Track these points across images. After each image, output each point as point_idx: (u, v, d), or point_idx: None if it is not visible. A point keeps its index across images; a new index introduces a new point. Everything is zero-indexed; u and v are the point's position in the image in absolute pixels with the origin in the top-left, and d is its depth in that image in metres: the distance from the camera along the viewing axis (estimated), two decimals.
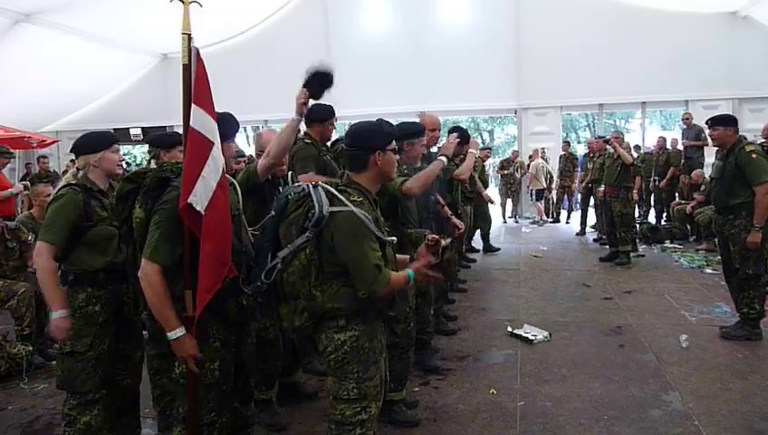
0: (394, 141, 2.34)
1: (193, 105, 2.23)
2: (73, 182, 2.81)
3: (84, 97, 13.58)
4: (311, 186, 2.19)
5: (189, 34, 2.29)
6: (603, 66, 11.29)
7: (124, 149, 15.56)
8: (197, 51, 2.28)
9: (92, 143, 2.85)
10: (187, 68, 2.27)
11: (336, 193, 2.17)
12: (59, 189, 2.82)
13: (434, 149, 4.31)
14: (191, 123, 2.22)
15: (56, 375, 2.79)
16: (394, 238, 2.33)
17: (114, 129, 14.35)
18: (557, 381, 3.81)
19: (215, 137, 2.27)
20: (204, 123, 2.25)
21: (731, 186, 4.42)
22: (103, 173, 2.85)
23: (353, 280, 2.14)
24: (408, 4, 12.54)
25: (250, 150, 10.78)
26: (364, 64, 11.96)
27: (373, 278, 2.11)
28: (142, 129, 14.00)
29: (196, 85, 2.26)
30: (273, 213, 2.29)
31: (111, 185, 2.87)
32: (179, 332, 2.22)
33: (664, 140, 10.69)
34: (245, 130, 18.92)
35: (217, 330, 2.32)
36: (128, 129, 14.12)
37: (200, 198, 2.19)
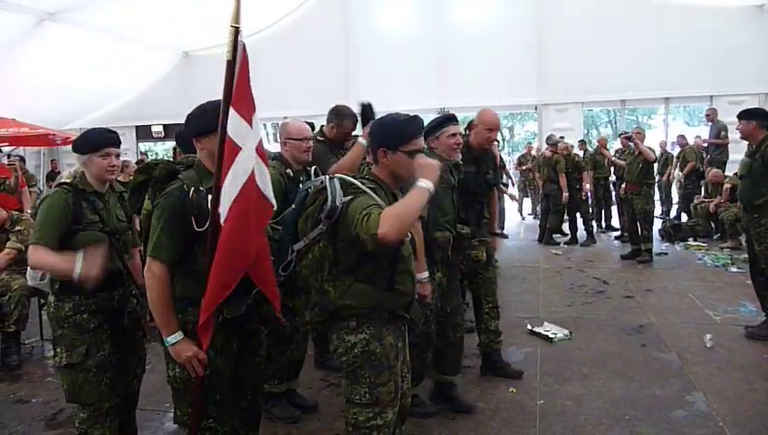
0: (415, 143, 2.16)
1: (230, 108, 2.04)
2: (67, 181, 2.67)
3: (107, 94, 13.75)
4: (327, 178, 2.13)
5: (238, 27, 2.05)
6: (625, 61, 11.13)
7: (145, 145, 15.70)
8: (244, 45, 2.07)
9: (83, 143, 2.68)
10: (230, 65, 2.06)
11: (353, 181, 2.10)
12: (53, 188, 2.73)
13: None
14: (228, 129, 2.05)
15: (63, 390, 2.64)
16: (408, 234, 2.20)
17: (136, 126, 14.59)
18: (577, 379, 3.77)
19: (245, 142, 2.08)
20: (236, 127, 2.06)
21: (757, 183, 4.33)
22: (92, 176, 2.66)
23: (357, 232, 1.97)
24: (428, 4, 12.49)
25: (269, 147, 10.88)
26: (383, 61, 11.96)
27: (364, 226, 1.91)
28: (164, 126, 14.16)
29: (237, 86, 2.06)
30: (293, 206, 2.24)
31: (113, 187, 2.77)
32: (177, 336, 2.12)
33: (685, 138, 10.65)
34: (265, 127, 19.00)
35: (212, 337, 2.19)
36: (149, 126, 14.30)
37: (223, 209, 2.05)
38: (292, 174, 3.15)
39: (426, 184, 1.98)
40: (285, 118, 13.06)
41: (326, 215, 2.05)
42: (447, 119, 3.34)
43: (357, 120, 3.79)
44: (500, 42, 11.95)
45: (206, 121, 2.19)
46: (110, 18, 10.78)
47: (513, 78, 12.05)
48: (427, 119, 2.19)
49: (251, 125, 2.09)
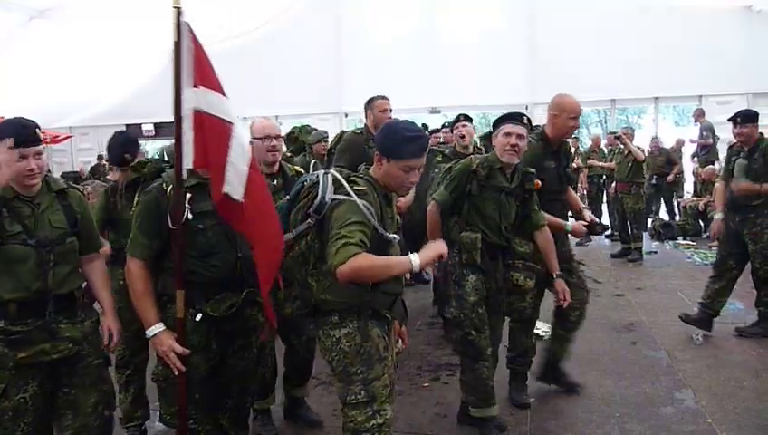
0: (410, 162, 2.07)
1: (201, 87, 2.08)
2: None
3: (97, 93, 13.66)
4: (322, 173, 2.12)
5: (179, 8, 2.10)
6: (615, 61, 11.17)
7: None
8: (189, 25, 2.09)
9: None
10: (177, 46, 2.09)
11: (343, 181, 2.07)
12: None
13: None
14: (196, 106, 2.07)
15: None
16: (396, 236, 2.13)
17: (127, 124, 14.48)
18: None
19: (231, 116, 2.12)
20: (215, 104, 2.08)
21: (754, 183, 4.37)
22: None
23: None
24: (421, 4, 12.48)
25: None
26: (375, 61, 11.93)
27: (335, 250, 1.89)
28: (154, 124, 14.08)
29: (196, 65, 2.09)
30: (287, 198, 2.24)
31: (49, 185, 2.27)
32: (157, 328, 2.20)
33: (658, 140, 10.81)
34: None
35: (188, 335, 2.24)
36: (140, 125, 14.21)
37: (235, 185, 2.08)
38: None
39: (414, 259, 1.98)
40: (276, 117, 13.07)
41: (314, 209, 2.06)
42: (506, 117, 3.05)
43: (381, 98, 4.03)
44: (491, 41, 11.97)
45: None
46: (100, 16, 10.71)
47: (504, 77, 12.06)
48: (417, 118, 2.16)
49: (226, 96, 2.12)
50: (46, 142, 11.05)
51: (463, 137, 4.71)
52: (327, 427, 3.22)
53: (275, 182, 2.98)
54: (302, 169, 3.23)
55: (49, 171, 2.43)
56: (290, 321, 3.02)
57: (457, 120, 4.91)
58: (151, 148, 15.14)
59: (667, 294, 5.79)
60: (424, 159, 2.13)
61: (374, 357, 2.10)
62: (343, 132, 4.53)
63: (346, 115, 12.05)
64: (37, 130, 2.16)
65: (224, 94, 2.12)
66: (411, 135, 2.07)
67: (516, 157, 2.97)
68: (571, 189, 3.71)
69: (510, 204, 3.05)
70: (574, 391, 3.57)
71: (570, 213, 3.65)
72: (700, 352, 4.17)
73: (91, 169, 11.53)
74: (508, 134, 2.94)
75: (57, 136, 11.52)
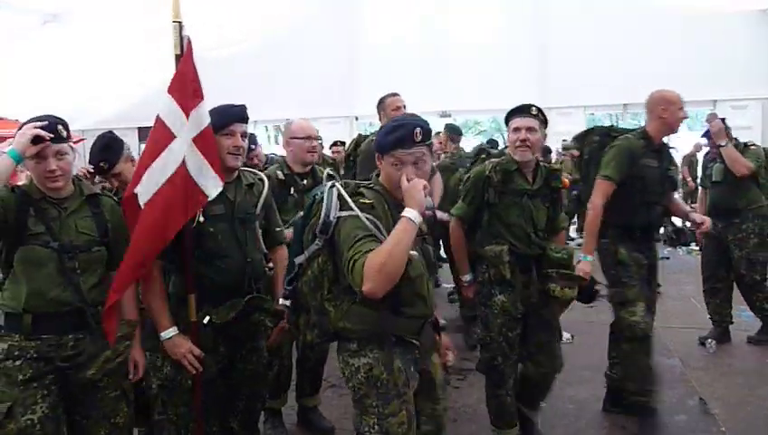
0: (394, 154, 1.91)
1: (166, 94, 2.15)
2: (22, 183, 2.19)
3: (108, 96, 13.77)
4: (327, 187, 1.97)
5: (180, 22, 2.17)
6: (628, 65, 11.08)
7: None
8: (189, 40, 2.18)
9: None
10: (179, 59, 2.19)
11: (346, 197, 1.91)
12: None
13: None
14: (158, 111, 2.15)
15: None
16: (413, 253, 1.86)
17: (139, 127, 14.60)
18: (580, 383, 3.76)
19: (179, 130, 2.13)
20: (171, 114, 2.14)
21: (736, 188, 4.30)
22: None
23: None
24: (430, 5, 12.49)
25: (275, 149, 10.89)
26: (384, 63, 11.94)
27: (352, 277, 1.78)
28: None
29: (176, 74, 2.17)
30: (301, 214, 2.13)
31: (80, 189, 2.15)
32: (171, 332, 2.18)
33: None
34: (267, 130, 19.03)
35: (198, 338, 2.23)
36: (150, 128, 14.28)
37: (145, 190, 2.11)
38: (282, 176, 3.03)
39: (409, 214, 1.78)
40: (288, 120, 13.13)
41: (320, 230, 1.91)
42: (514, 110, 2.80)
43: (392, 95, 3.98)
44: (501, 44, 11.94)
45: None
46: (111, 20, 10.83)
47: (515, 81, 12.03)
48: (428, 121, 2.05)
49: (187, 116, 2.15)
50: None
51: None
52: (338, 430, 3.22)
53: (305, 182, 3.05)
54: (333, 172, 3.27)
55: None
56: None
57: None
58: None
59: (679, 300, 5.73)
60: (418, 150, 1.90)
61: (391, 392, 1.92)
62: (360, 137, 4.44)
63: (356, 118, 12.06)
64: (60, 126, 2.01)
65: (185, 108, 2.14)
66: (394, 124, 1.96)
67: (529, 152, 2.72)
68: (674, 194, 3.42)
69: (537, 207, 2.80)
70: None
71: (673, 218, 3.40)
72: (713, 360, 4.13)
73: None
74: (517, 129, 2.73)
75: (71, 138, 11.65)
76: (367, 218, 1.86)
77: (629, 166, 3.00)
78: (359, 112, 11.93)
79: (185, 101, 2.14)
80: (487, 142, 4.63)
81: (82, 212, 2.12)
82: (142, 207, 2.11)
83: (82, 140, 13.36)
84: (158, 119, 2.15)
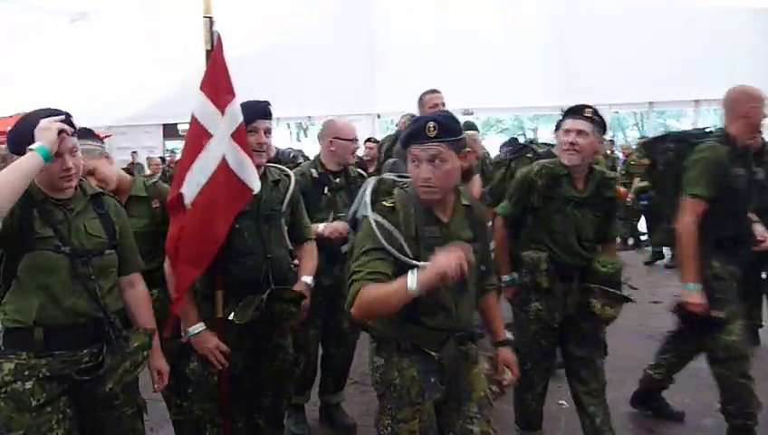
0: (409, 151, 1.85)
1: (199, 92, 2.14)
2: None
3: (135, 93, 13.97)
4: (367, 182, 1.97)
5: (211, 18, 2.18)
6: (653, 62, 10.92)
7: (172, 144, 15.99)
8: (219, 35, 2.18)
9: (17, 137, 1.84)
10: (210, 54, 2.19)
11: (367, 195, 1.89)
12: None
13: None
14: (192, 110, 2.13)
15: None
16: (421, 264, 1.75)
17: (164, 124, 14.79)
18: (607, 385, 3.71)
19: (216, 129, 2.13)
20: (205, 113, 2.13)
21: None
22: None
23: None
24: (451, 2, 12.43)
25: (296, 146, 10.94)
26: (407, 62, 11.92)
27: (348, 290, 1.75)
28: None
29: (210, 72, 2.16)
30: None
31: (83, 188, 1.98)
32: (199, 327, 2.20)
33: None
34: (288, 127, 19.14)
35: (223, 333, 2.24)
36: (176, 124, 14.47)
37: (189, 192, 2.11)
38: (316, 175, 3.01)
39: (411, 285, 1.61)
40: (309, 117, 13.17)
41: (350, 224, 1.98)
42: (569, 110, 2.64)
43: (430, 92, 3.96)
44: (523, 42, 11.85)
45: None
46: (138, 18, 10.97)
47: (538, 79, 11.93)
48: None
49: (222, 113, 2.14)
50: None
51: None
52: (360, 427, 3.23)
53: (338, 180, 3.06)
54: (363, 172, 3.29)
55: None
56: (331, 330, 3.03)
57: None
58: None
59: None
60: (432, 146, 1.79)
61: (404, 398, 1.87)
62: (399, 133, 4.39)
63: (378, 116, 12.06)
64: (71, 119, 1.85)
65: (219, 106, 2.13)
66: (413, 119, 1.93)
67: (577, 157, 2.54)
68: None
69: (584, 216, 2.62)
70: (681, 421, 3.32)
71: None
72: None
73: (127, 166, 11.81)
74: (567, 131, 2.57)
75: (97, 136, 11.85)
76: (380, 225, 1.79)
77: (720, 179, 2.71)
78: (380, 110, 11.95)
79: (218, 97, 2.14)
80: (509, 141, 4.53)
81: (88, 213, 1.93)
82: (188, 207, 2.11)
83: (108, 136, 13.62)
84: (192, 118, 2.14)
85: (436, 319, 1.86)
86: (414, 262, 1.77)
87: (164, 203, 2.33)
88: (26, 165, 1.66)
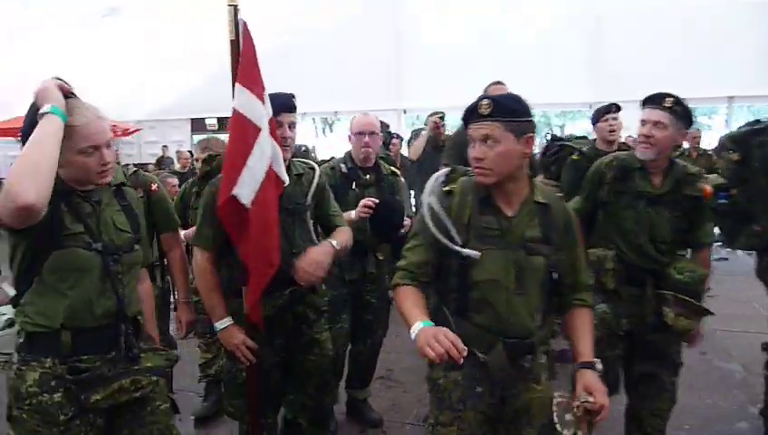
0: (468, 127, 1.75)
1: (237, 85, 2.03)
2: None
3: (163, 87, 14.16)
4: (445, 167, 1.90)
5: (236, 6, 2.09)
6: (685, 57, 10.68)
7: (200, 138, 16.20)
8: (245, 24, 2.06)
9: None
10: (234, 44, 2.09)
11: (431, 180, 1.82)
12: None
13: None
14: (234, 105, 2.02)
15: None
16: (472, 253, 1.69)
17: (192, 119, 14.95)
18: None
19: (262, 122, 2.05)
20: (250, 106, 2.02)
21: None
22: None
23: None
24: (480, 3, 12.32)
25: (317, 141, 10.98)
26: (434, 57, 11.86)
27: (394, 270, 1.80)
28: (218, 119, 14.45)
29: (241, 63, 2.04)
30: None
31: (125, 185, 1.90)
32: (227, 321, 2.16)
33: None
34: (314, 122, 19.22)
35: (246, 332, 2.18)
36: (203, 119, 14.62)
37: (246, 190, 2.01)
38: (345, 170, 3.02)
39: (413, 333, 1.56)
40: (336, 112, 13.19)
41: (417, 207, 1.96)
42: (647, 99, 2.48)
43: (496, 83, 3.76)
44: (552, 37, 11.69)
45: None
46: (167, 13, 11.12)
47: (566, 75, 11.76)
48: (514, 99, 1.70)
49: (263, 102, 2.07)
50: (118, 135, 11.62)
51: (612, 131, 3.88)
52: (387, 422, 3.23)
53: (368, 177, 3.02)
54: (396, 170, 3.22)
55: (120, 163, 2.39)
56: (357, 326, 3.03)
57: (608, 109, 3.98)
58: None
59: (740, 303, 5.49)
60: (484, 125, 1.68)
61: (445, 402, 1.77)
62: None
63: (405, 112, 12.03)
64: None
65: (260, 97, 2.05)
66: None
67: (651, 151, 2.32)
68: None
69: (659, 215, 2.36)
70: None
71: None
72: None
73: (157, 160, 11.98)
74: (643, 122, 2.36)
75: (128, 129, 12.04)
76: (431, 208, 1.75)
77: None
78: (407, 105, 11.90)
79: (256, 88, 2.05)
80: (551, 138, 4.39)
81: (114, 206, 1.80)
82: (248, 207, 2.02)
83: (138, 130, 13.83)
84: (235, 113, 2.02)
85: (482, 316, 1.74)
86: (455, 247, 1.70)
87: (147, 192, 2.42)
88: (49, 129, 1.49)
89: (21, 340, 1.66)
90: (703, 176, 2.41)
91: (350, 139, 3.07)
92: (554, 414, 1.65)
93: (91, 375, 1.65)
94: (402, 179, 3.24)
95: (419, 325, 1.55)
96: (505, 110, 1.67)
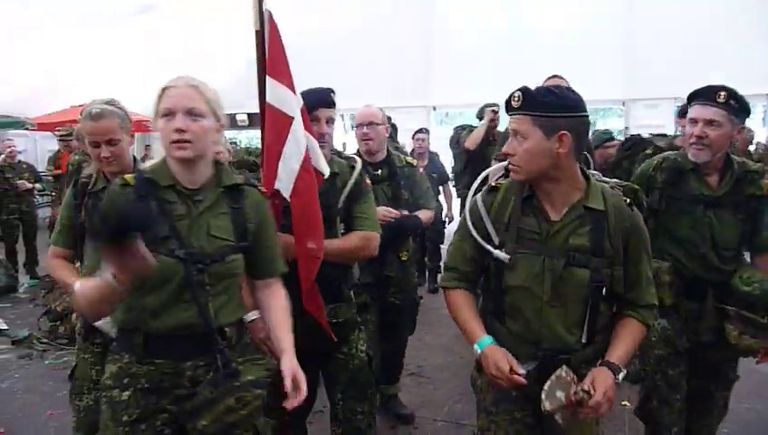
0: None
1: (267, 78, 1.97)
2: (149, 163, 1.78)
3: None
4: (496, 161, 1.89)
5: None
6: (721, 53, 10.41)
7: (230, 134, 16.37)
8: (270, 14, 1.99)
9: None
10: (259, 35, 2.00)
11: (480, 178, 1.80)
12: None
13: None
14: (267, 98, 1.96)
15: None
16: (502, 255, 1.61)
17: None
18: None
19: (294, 111, 1.96)
20: (280, 97, 1.96)
21: None
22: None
23: None
24: (510, 3, 12.20)
25: (345, 137, 11.00)
26: (463, 53, 11.78)
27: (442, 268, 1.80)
28: (248, 115, 14.55)
29: (270, 55, 1.97)
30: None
31: (243, 186, 1.72)
32: (253, 314, 1.92)
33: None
34: (342, 118, 19.27)
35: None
36: (234, 115, 14.75)
37: (284, 182, 1.95)
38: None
39: (476, 350, 1.66)
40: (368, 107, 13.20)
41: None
42: (695, 93, 2.24)
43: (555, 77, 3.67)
44: (585, 32, 11.51)
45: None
46: (196, 10, 11.26)
47: (599, 71, 11.54)
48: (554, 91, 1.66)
49: (294, 92, 2.00)
50: (149, 130, 11.81)
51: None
52: (418, 418, 3.23)
53: (379, 172, 2.87)
54: (413, 161, 3.13)
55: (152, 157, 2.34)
56: (384, 325, 2.97)
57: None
58: (245, 137, 15.70)
59: None
60: (514, 121, 1.61)
61: (481, 404, 1.74)
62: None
63: (434, 108, 11.97)
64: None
65: (291, 87, 1.99)
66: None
67: (705, 153, 2.10)
68: None
69: (720, 219, 2.15)
70: None
71: None
72: None
73: None
74: (693, 121, 2.14)
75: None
76: (473, 205, 1.71)
77: None
78: (435, 102, 11.84)
79: (286, 79, 1.99)
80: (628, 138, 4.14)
81: (218, 208, 1.62)
82: (289, 199, 1.96)
83: None
84: (269, 107, 1.97)
85: (516, 323, 1.65)
86: (487, 247, 1.63)
87: None
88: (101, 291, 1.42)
89: (114, 330, 1.69)
90: (766, 172, 2.19)
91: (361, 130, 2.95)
92: (547, 384, 1.55)
93: (197, 401, 1.54)
94: (420, 170, 3.18)
95: (479, 347, 1.62)
96: (535, 103, 1.56)
